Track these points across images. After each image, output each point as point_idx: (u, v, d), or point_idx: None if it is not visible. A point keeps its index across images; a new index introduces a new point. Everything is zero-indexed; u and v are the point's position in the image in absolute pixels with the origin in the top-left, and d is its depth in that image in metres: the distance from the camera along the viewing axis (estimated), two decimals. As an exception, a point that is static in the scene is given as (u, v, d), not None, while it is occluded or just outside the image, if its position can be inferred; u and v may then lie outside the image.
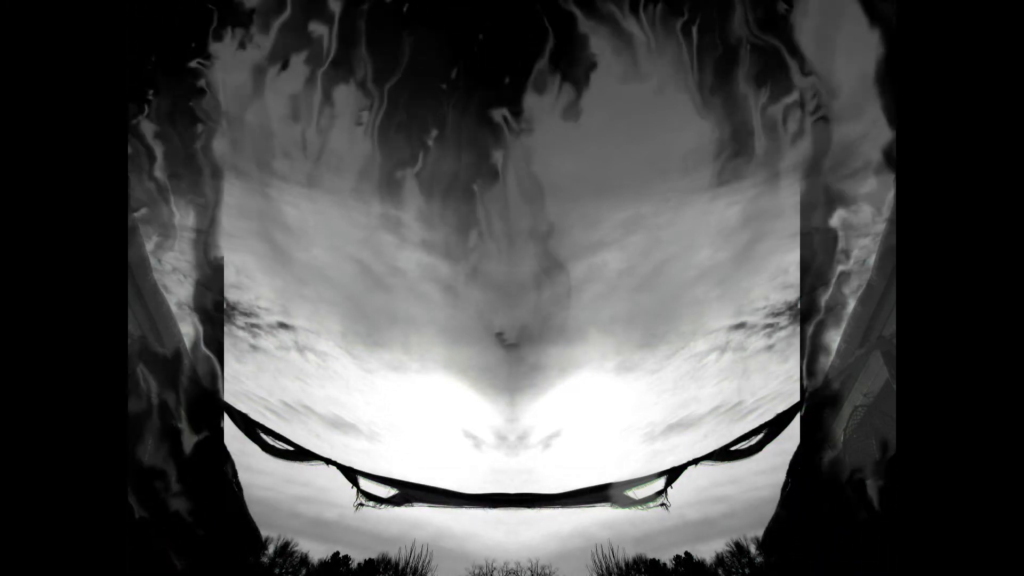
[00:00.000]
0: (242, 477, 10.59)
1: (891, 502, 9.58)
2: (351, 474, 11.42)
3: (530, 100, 10.66)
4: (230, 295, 12.82)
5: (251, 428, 10.85)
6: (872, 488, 10.66)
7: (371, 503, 11.69)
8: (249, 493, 11.08)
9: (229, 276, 12.50)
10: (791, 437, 12.64)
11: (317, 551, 12.96)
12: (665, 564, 13.56)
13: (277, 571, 12.22)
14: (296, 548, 12.75)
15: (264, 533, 12.05)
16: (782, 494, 11.87)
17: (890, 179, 11.33)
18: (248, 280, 12.88)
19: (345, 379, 13.79)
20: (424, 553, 13.62)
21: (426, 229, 12.22)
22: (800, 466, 11.68)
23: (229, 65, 10.37)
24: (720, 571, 13.01)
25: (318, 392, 13.74)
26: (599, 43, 10.01)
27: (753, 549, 12.90)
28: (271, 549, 12.39)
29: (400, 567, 13.41)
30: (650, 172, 11.72)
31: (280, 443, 10.96)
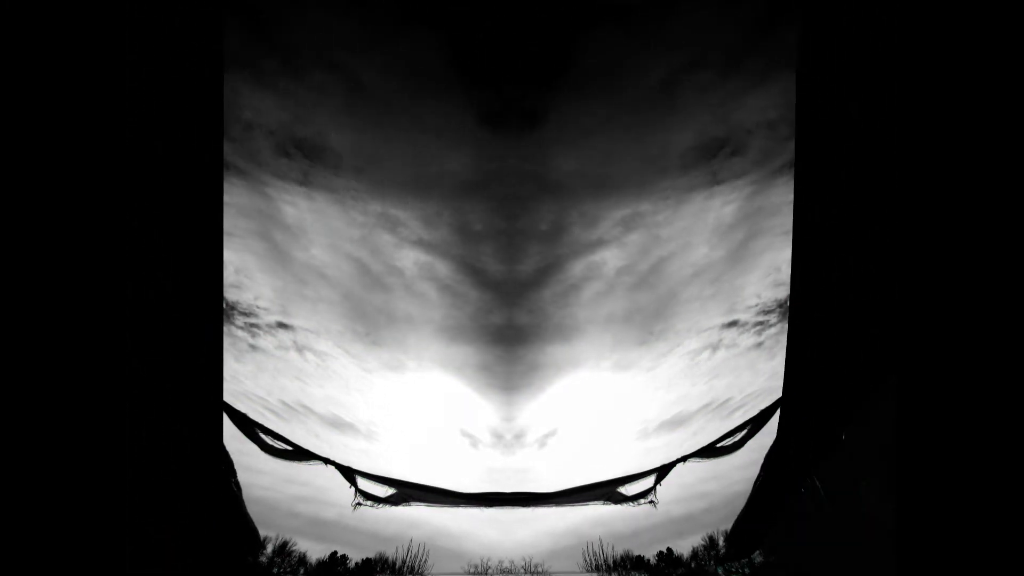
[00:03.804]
0: (241, 477, 10.56)
1: (891, 502, 9.60)
2: (349, 474, 11.39)
3: (531, 98, 10.64)
4: (229, 295, 12.82)
5: (250, 428, 10.80)
6: (872, 488, 10.70)
7: (369, 503, 11.68)
8: (248, 493, 11.05)
9: (228, 275, 12.49)
10: (769, 432, 12.71)
11: (315, 550, 12.98)
12: (649, 560, 13.68)
13: (275, 571, 12.21)
14: (295, 548, 12.76)
15: (263, 533, 12.04)
16: (753, 487, 11.95)
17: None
18: (247, 280, 12.88)
19: (344, 378, 13.81)
20: (421, 552, 13.66)
21: (424, 228, 12.21)
22: (777, 461, 11.76)
23: (227, 64, 10.34)
24: (720, 571, 13.10)
25: (317, 392, 13.76)
26: (600, 41, 9.98)
27: (721, 542, 13.05)
28: (270, 549, 12.39)
29: (397, 566, 13.44)
30: (650, 170, 11.73)
31: (279, 443, 10.92)
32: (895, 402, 7.45)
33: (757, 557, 12.73)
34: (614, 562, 13.67)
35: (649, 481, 12.61)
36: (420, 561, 13.62)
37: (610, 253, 13.09)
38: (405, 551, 13.54)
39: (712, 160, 11.62)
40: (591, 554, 13.80)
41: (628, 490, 12.70)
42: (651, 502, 12.40)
